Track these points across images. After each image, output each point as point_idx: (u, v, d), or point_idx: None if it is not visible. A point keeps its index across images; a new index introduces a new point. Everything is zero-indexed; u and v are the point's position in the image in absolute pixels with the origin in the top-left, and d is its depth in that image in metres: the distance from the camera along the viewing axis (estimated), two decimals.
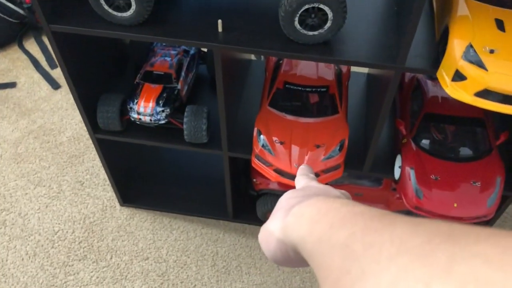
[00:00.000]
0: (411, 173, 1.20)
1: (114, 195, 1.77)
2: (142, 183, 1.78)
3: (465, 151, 1.22)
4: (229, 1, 1.11)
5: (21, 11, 2.29)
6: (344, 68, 1.40)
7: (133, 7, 0.99)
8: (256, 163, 1.28)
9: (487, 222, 1.47)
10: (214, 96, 1.23)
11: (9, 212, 1.73)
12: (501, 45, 0.89)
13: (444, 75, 0.94)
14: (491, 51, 0.88)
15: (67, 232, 1.68)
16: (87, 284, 1.55)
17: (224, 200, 1.61)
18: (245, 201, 1.66)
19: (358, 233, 0.27)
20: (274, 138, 1.25)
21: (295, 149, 1.24)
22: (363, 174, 1.32)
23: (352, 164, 1.28)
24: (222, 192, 1.58)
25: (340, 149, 1.23)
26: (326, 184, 1.27)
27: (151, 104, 1.28)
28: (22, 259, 1.61)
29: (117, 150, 1.54)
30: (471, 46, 0.89)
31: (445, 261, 0.21)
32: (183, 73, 1.37)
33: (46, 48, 2.34)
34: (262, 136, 1.26)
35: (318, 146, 1.23)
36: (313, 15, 0.93)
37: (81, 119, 1.37)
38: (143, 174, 1.80)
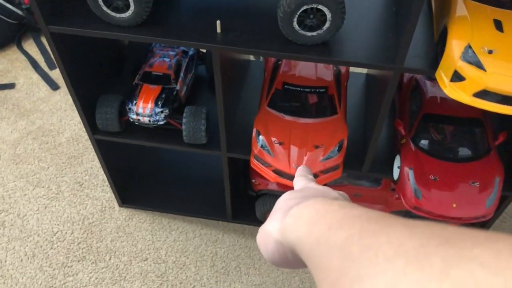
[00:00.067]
0: (410, 173, 1.20)
1: (113, 196, 1.77)
2: (141, 184, 1.78)
3: (464, 151, 1.22)
4: (227, 2, 1.11)
5: (19, 12, 2.29)
6: (343, 69, 1.40)
7: (132, 8, 0.99)
8: (255, 164, 1.28)
9: (486, 222, 1.48)
10: (213, 96, 1.23)
11: (8, 213, 1.73)
12: (500, 45, 0.90)
13: (443, 76, 0.94)
14: (490, 52, 0.88)
15: (66, 233, 1.68)
16: (86, 285, 1.55)
17: (223, 200, 1.61)
18: (244, 201, 1.66)
19: (356, 235, 0.27)
20: (273, 139, 1.25)
21: (294, 150, 1.24)
22: (362, 174, 1.32)
23: (351, 164, 1.28)
24: (221, 192, 1.57)
25: (339, 150, 1.23)
26: (325, 184, 1.28)
27: (150, 105, 1.28)
28: (21, 260, 1.61)
29: (116, 151, 1.54)
30: (469, 46, 0.89)
31: (442, 265, 0.21)
32: (182, 74, 1.37)
33: (45, 49, 2.34)
34: (261, 137, 1.26)
35: (317, 147, 1.23)
36: (311, 16, 0.93)
37: (80, 120, 1.37)
38: (142, 175, 1.80)
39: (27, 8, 2.29)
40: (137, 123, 1.32)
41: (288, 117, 1.29)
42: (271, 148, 1.24)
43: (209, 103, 1.40)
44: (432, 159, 1.21)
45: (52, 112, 2.08)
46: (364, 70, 1.55)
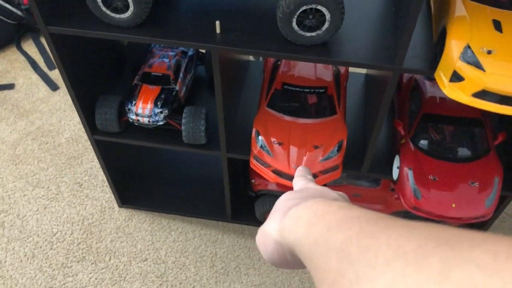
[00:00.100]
0: (409, 173, 1.20)
1: (112, 196, 1.77)
2: (140, 184, 1.78)
3: (463, 151, 1.23)
4: (227, 3, 1.11)
5: (19, 13, 2.29)
6: (342, 69, 1.40)
7: (131, 8, 0.99)
8: (254, 164, 1.28)
9: (485, 222, 1.48)
10: (212, 97, 1.23)
11: (8, 213, 1.73)
12: (499, 46, 0.90)
13: (442, 76, 0.94)
14: (489, 52, 0.88)
15: (65, 233, 1.68)
16: (85, 286, 1.55)
17: (223, 201, 1.61)
18: (243, 202, 1.66)
19: (354, 237, 0.27)
20: (273, 139, 1.25)
21: (293, 150, 1.24)
22: (362, 174, 1.32)
23: (350, 164, 1.29)
24: (221, 193, 1.57)
25: (339, 150, 1.24)
26: (325, 185, 1.28)
27: (149, 106, 1.28)
28: (21, 260, 1.61)
29: (116, 151, 1.54)
30: (468, 47, 0.89)
31: (440, 266, 0.21)
32: (181, 74, 1.37)
33: (44, 49, 2.34)
34: (260, 137, 1.26)
35: (316, 147, 1.23)
36: (310, 16, 0.93)
37: (80, 120, 1.37)
38: (142, 175, 1.80)
39: (26, 8, 2.29)
40: (136, 124, 1.32)
41: (287, 118, 1.29)
42: (271, 149, 1.24)
43: (208, 103, 1.40)
44: (431, 159, 1.21)
45: (52, 112, 2.08)
46: (363, 70, 1.55)
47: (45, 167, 1.88)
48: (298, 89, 1.32)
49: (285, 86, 1.32)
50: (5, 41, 2.36)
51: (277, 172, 1.25)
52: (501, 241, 0.21)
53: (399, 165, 1.23)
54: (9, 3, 2.25)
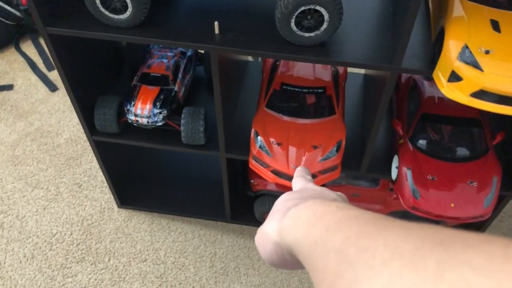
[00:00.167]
0: (408, 173, 1.20)
1: (112, 197, 1.77)
2: (139, 185, 1.78)
3: (462, 151, 1.23)
4: (225, 3, 1.11)
5: (17, 13, 2.29)
6: (341, 69, 1.40)
7: (130, 9, 0.99)
8: (253, 164, 1.29)
9: (484, 222, 1.48)
10: (211, 97, 1.24)
11: (7, 214, 1.73)
12: (497, 45, 0.90)
13: (440, 76, 0.94)
14: (487, 52, 0.89)
15: (65, 234, 1.68)
16: (85, 286, 1.55)
17: (222, 201, 1.61)
18: (243, 202, 1.66)
19: (352, 238, 0.28)
20: (271, 139, 1.25)
21: (292, 150, 1.24)
22: (360, 174, 1.33)
23: (349, 164, 1.29)
24: (220, 193, 1.58)
25: (337, 150, 1.24)
26: (324, 185, 1.28)
27: (148, 106, 1.28)
28: (20, 261, 1.61)
29: (115, 152, 1.54)
30: (466, 47, 0.89)
31: (436, 268, 0.21)
32: (180, 75, 1.37)
33: (43, 50, 2.34)
34: (259, 137, 1.26)
35: (315, 147, 1.24)
36: (309, 17, 0.93)
37: (79, 121, 1.37)
38: (141, 176, 1.80)
39: (25, 9, 2.29)
40: (135, 124, 1.32)
41: (286, 118, 1.29)
42: (270, 149, 1.25)
43: (207, 104, 1.40)
44: (430, 159, 1.22)
45: (51, 113, 2.08)
46: (362, 71, 1.55)
47: (44, 168, 1.88)
48: (297, 89, 1.32)
49: (284, 87, 1.33)
50: (4, 42, 2.36)
51: (276, 172, 1.25)
52: (497, 242, 0.21)
53: (397, 165, 1.23)
54: (7, 4, 2.25)
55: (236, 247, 1.65)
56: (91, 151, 1.84)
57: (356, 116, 1.41)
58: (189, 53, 1.45)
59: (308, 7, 0.91)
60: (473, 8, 0.96)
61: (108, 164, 1.52)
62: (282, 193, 0.45)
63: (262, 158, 1.25)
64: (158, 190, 1.76)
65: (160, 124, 1.31)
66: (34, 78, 2.23)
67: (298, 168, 0.52)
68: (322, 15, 0.92)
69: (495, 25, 0.93)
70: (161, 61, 1.37)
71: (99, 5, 0.98)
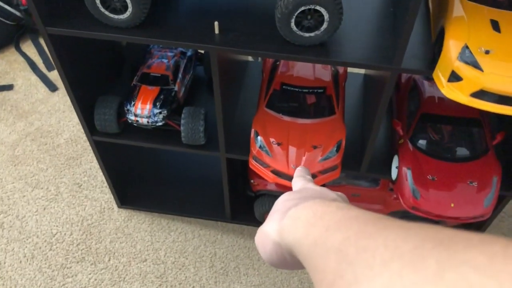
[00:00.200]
0: (408, 173, 1.20)
1: (112, 197, 1.77)
2: (140, 185, 1.78)
3: (462, 151, 1.23)
4: (225, 3, 1.11)
5: (17, 13, 2.29)
6: (341, 69, 1.40)
7: (130, 9, 0.99)
8: (253, 164, 1.29)
9: (484, 222, 1.48)
10: (211, 97, 1.24)
11: (7, 214, 1.73)
12: (497, 45, 0.90)
13: (440, 76, 0.94)
14: (487, 52, 0.89)
15: (65, 234, 1.68)
16: (85, 286, 1.55)
17: (222, 201, 1.61)
18: (243, 202, 1.66)
19: (352, 237, 0.28)
20: (271, 139, 1.25)
21: (292, 150, 1.24)
22: (360, 174, 1.33)
23: (349, 164, 1.29)
24: (220, 193, 1.58)
25: (337, 150, 1.24)
26: (324, 185, 1.28)
27: (148, 106, 1.28)
28: (20, 261, 1.61)
29: (115, 152, 1.54)
30: (466, 47, 0.89)
31: (436, 267, 0.21)
32: (180, 75, 1.37)
33: (43, 50, 2.34)
34: (259, 137, 1.26)
35: (315, 147, 1.24)
36: (309, 17, 0.93)
37: (79, 121, 1.37)
38: (141, 176, 1.80)
39: (25, 9, 2.29)
40: (135, 124, 1.32)
41: (286, 118, 1.29)
42: (270, 149, 1.25)
43: (207, 104, 1.40)
44: (430, 159, 1.22)
45: (51, 113, 2.08)
46: (362, 71, 1.55)
47: (44, 168, 1.88)
48: (297, 89, 1.32)
49: (284, 87, 1.33)
50: (4, 42, 2.36)
51: (276, 172, 1.25)
52: (497, 242, 0.21)
53: (397, 165, 1.23)
54: (7, 4, 2.25)
55: (236, 247, 1.65)
56: (91, 151, 1.84)
57: (356, 116, 1.41)
58: (189, 53, 1.45)
59: (308, 7, 0.91)
60: (473, 8, 0.96)
61: (108, 164, 1.52)
62: (282, 193, 0.45)
63: (262, 158, 1.25)
64: (158, 190, 1.76)
65: (160, 124, 1.31)
66: (34, 78, 2.24)
67: (298, 168, 0.52)
68: (322, 15, 0.92)
69: (495, 25, 0.93)
70: (161, 61, 1.37)
71: (99, 5, 0.98)
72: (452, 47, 0.91)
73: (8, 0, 2.27)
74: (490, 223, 1.50)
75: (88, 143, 1.92)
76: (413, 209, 1.21)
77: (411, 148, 1.23)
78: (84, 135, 1.87)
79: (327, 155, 1.23)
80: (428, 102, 1.27)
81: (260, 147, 1.25)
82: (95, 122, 1.32)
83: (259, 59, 1.82)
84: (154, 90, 1.31)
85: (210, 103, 1.34)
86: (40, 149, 1.94)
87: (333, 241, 0.29)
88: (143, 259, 1.62)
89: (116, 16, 1.00)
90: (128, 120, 1.31)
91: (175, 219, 1.73)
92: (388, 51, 0.99)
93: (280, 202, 0.43)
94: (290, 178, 1.22)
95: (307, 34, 0.97)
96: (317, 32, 0.96)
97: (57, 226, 1.70)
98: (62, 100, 2.13)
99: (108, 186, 1.67)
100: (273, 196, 1.51)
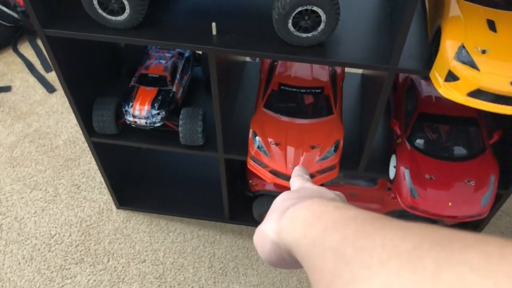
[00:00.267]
0: (405, 172, 1.21)
1: (110, 198, 1.77)
2: (138, 185, 1.78)
3: (459, 150, 1.23)
4: (223, 4, 1.11)
5: (15, 15, 2.29)
6: (338, 69, 1.40)
7: (127, 11, 0.99)
8: (251, 165, 1.29)
9: (482, 220, 1.48)
10: (209, 98, 1.24)
11: (5, 216, 1.73)
12: (493, 45, 0.90)
13: (437, 76, 0.94)
14: (483, 52, 0.89)
15: (63, 235, 1.68)
16: None
17: (221, 201, 1.61)
18: (241, 202, 1.67)
19: (350, 237, 0.28)
20: (270, 140, 1.26)
21: (290, 150, 1.24)
22: (358, 174, 1.33)
23: (347, 164, 1.29)
24: (219, 193, 1.58)
25: (335, 150, 1.24)
26: (322, 185, 1.28)
27: (146, 107, 1.28)
28: (19, 263, 1.60)
29: (113, 153, 1.54)
30: (463, 46, 0.90)
31: (434, 267, 0.21)
32: (178, 76, 1.37)
33: (41, 51, 2.34)
34: (257, 138, 1.26)
35: (313, 147, 1.24)
36: (306, 17, 0.93)
37: (77, 122, 1.37)
38: (139, 177, 1.80)
39: (22, 11, 2.29)
40: (133, 125, 1.32)
41: (284, 118, 1.29)
42: (268, 149, 1.25)
43: (205, 104, 1.40)
44: (427, 158, 1.22)
45: (49, 114, 2.08)
46: (359, 71, 1.56)
47: (43, 169, 1.88)
48: (294, 89, 1.33)
49: (281, 87, 1.33)
50: (2, 44, 2.36)
51: (274, 173, 1.25)
52: (494, 242, 0.21)
53: (395, 165, 1.24)
54: (5, 6, 2.25)
55: (235, 247, 1.66)
56: (90, 152, 1.84)
57: (354, 116, 1.42)
58: (186, 54, 1.45)
59: (305, 7, 0.91)
60: (470, 8, 0.96)
61: (107, 165, 1.52)
62: (280, 193, 0.45)
63: (260, 158, 1.25)
64: (157, 191, 1.76)
65: (158, 125, 1.31)
66: (32, 79, 2.23)
67: (296, 168, 0.52)
68: (319, 16, 0.93)
69: (491, 25, 0.93)
70: (159, 62, 1.37)
71: (97, 7, 0.99)
72: (448, 46, 0.91)
73: (5, 2, 2.26)
74: (488, 222, 1.50)
75: (86, 144, 1.92)
76: (411, 208, 1.22)
77: (409, 148, 1.23)
78: (82, 136, 1.86)
79: (325, 155, 1.23)
80: (426, 101, 1.28)
81: (258, 147, 1.26)
82: (93, 124, 1.32)
83: (257, 59, 1.83)
84: (152, 91, 1.31)
85: (208, 103, 1.34)
86: (38, 151, 1.94)
87: (331, 241, 0.29)
88: (142, 260, 1.62)
89: (113, 18, 1.00)
90: (126, 121, 1.32)
91: (173, 219, 1.73)
92: (385, 51, 1.00)
93: (278, 202, 0.43)
94: (288, 178, 1.22)
95: (304, 35, 0.97)
96: (314, 33, 0.96)
97: (55, 227, 1.70)
98: (60, 101, 2.13)
99: (106, 187, 1.67)
100: (272, 196, 1.51)
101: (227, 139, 1.32)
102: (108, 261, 1.61)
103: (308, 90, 1.32)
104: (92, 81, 1.35)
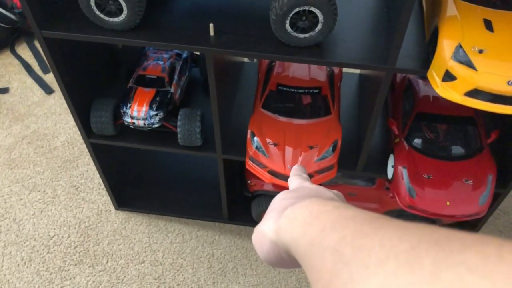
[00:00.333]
0: (404, 172, 1.21)
1: (109, 199, 1.77)
2: (137, 186, 1.78)
3: (457, 149, 1.24)
4: (220, 5, 1.11)
5: (12, 16, 2.29)
6: (336, 69, 1.40)
7: (125, 12, 0.99)
8: (250, 165, 1.29)
9: (480, 219, 1.49)
10: (207, 99, 1.24)
11: (4, 218, 1.73)
12: (490, 45, 0.91)
13: (435, 76, 0.95)
14: (480, 51, 0.89)
15: (62, 237, 1.68)
16: None
17: (219, 202, 1.61)
18: (240, 202, 1.67)
19: (348, 237, 0.28)
20: (268, 140, 1.26)
21: (288, 151, 1.24)
22: (357, 174, 1.33)
23: (345, 164, 1.29)
24: (217, 194, 1.58)
25: (333, 150, 1.24)
26: (320, 184, 1.28)
27: (144, 108, 1.28)
28: (18, 265, 1.60)
29: (111, 154, 1.54)
30: (460, 46, 0.90)
31: (432, 268, 0.21)
32: (176, 77, 1.37)
33: (39, 53, 2.34)
34: (255, 138, 1.26)
35: (311, 147, 1.24)
36: (304, 18, 0.93)
37: (75, 124, 1.37)
38: (138, 178, 1.80)
39: (20, 12, 2.28)
40: (132, 126, 1.32)
41: (282, 118, 1.29)
42: (266, 149, 1.25)
43: (203, 105, 1.40)
44: (425, 157, 1.22)
45: (47, 116, 2.08)
46: (357, 71, 1.56)
47: (41, 170, 1.88)
48: (292, 89, 1.33)
49: (279, 87, 1.33)
50: None
51: (272, 173, 1.25)
52: (492, 242, 0.21)
53: (393, 164, 1.24)
54: (2, 7, 2.25)
55: (234, 248, 1.66)
56: (88, 153, 1.84)
57: (352, 116, 1.42)
58: (184, 55, 1.45)
59: (302, 8, 0.91)
60: (467, 8, 0.96)
61: (105, 166, 1.52)
62: (279, 193, 0.45)
63: (258, 158, 1.26)
64: (155, 192, 1.76)
65: (156, 126, 1.31)
66: (29, 81, 2.23)
67: (295, 167, 0.52)
68: (317, 16, 0.93)
69: (488, 25, 0.94)
70: (156, 63, 1.37)
71: (94, 8, 0.99)
72: (446, 46, 0.91)
73: (2, 3, 2.26)
74: (486, 221, 1.51)
75: (84, 146, 1.92)
76: (409, 207, 1.22)
77: (407, 147, 1.24)
78: (81, 137, 1.86)
79: (323, 155, 1.24)
80: (423, 101, 1.28)
81: (256, 147, 1.26)
82: (92, 125, 1.32)
83: (255, 60, 1.83)
84: (150, 92, 1.31)
85: (206, 104, 1.35)
86: (36, 152, 1.94)
87: (329, 241, 0.29)
88: (141, 261, 1.62)
89: (111, 19, 1.01)
90: (124, 122, 1.32)
91: (172, 220, 1.73)
92: (383, 51, 1.00)
93: (277, 201, 0.43)
94: (286, 178, 1.22)
95: (302, 35, 0.97)
96: (312, 33, 0.96)
97: (54, 228, 1.70)
98: (58, 102, 2.13)
99: (105, 188, 1.66)
100: (270, 197, 1.51)
101: (225, 139, 1.32)
102: (107, 262, 1.61)
103: (306, 91, 1.32)
104: (90, 82, 1.35)
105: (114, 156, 1.58)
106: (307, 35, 0.97)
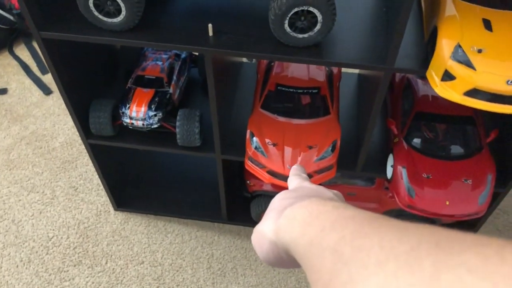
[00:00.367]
0: (403, 172, 1.21)
1: (108, 199, 1.77)
2: (136, 187, 1.78)
3: (456, 149, 1.24)
4: (219, 5, 1.11)
5: (10, 17, 2.28)
6: (335, 69, 1.40)
7: (123, 12, 0.99)
8: (249, 165, 1.29)
9: (479, 219, 1.49)
10: (206, 99, 1.24)
11: (3, 219, 1.72)
12: (489, 44, 0.91)
13: (434, 75, 0.95)
14: (479, 51, 0.89)
15: (61, 238, 1.68)
16: None
17: (219, 202, 1.61)
18: (239, 203, 1.67)
19: (348, 237, 0.28)
20: (267, 140, 1.26)
21: (287, 151, 1.24)
22: (356, 174, 1.33)
23: (344, 164, 1.29)
24: (216, 194, 1.58)
25: (333, 150, 1.24)
26: (320, 185, 1.27)
27: (143, 109, 1.28)
28: (17, 266, 1.60)
29: (110, 154, 1.54)
30: (459, 46, 0.90)
31: (432, 269, 0.21)
32: (174, 77, 1.37)
33: (37, 53, 2.34)
34: (255, 138, 1.26)
35: (310, 147, 1.24)
36: (302, 18, 0.93)
37: (73, 124, 1.37)
38: (137, 178, 1.80)
39: (18, 13, 2.28)
40: (130, 127, 1.32)
41: (281, 118, 1.29)
42: (265, 150, 1.25)
43: (202, 105, 1.40)
44: (424, 157, 1.22)
45: (45, 117, 2.08)
46: (356, 70, 1.56)
47: (40, 171, 1.87)
48: (291, 90, 1.33)
49: (278, 87, 1.33)
50: None
51: (272, 173, 1.25)
52: (492, 243, 0.21)
53: (393, 164, 1.24)
54: (0, 8, 2.24)
55: (233, 248, 1.66)
56: (87, 154, 1.84)
57: (351, 116, 1.42)
58: (183, 55, 1.45)
59: (301, 8, 0.91)
60: (465, 7, 0.96)
61: (104, 167, 1.52)
62: (278, 193, 0.45)
63: (257, 159, 1.25)
64: (154, 192, 1.76)
65: (155, 126, 1.31)
66: (28, 81, 2.23)
67: (294, 167, 0.52)
68: (316, 16, 0.93)
69: (487, 24, 0.94)
70: (155, 64, 1.37)
71: (93, 9, 0.98)
72: (445, 46, 0.91)
73: (1, 4, 2.26)
74: (485, 220, 1.51)
75: (83, 146, 1.92)
76: (409, 207, 1.22)
77: (406, 147, 1.24)
78: (79, 138, 1.86)
79: (323, 155, 1.24)
80: (422, 100, 1.28)
81: (255, 148, 1.26)
82: (90, 125, 1.32)
83: (254, 60, 1.83)
84: (149, 92, 1.31)
85: (205, 104, 1.34)
86: (35, 153, 1.94)
87: (328, 241, 0.29)
88: (140, 262, 1.62)
89: (109, 20, 1.00)
90: (123, 123, 1.31)
91: (171, 221, 1.73)
92: (382, 51, 1.00)
93: (276, 201, 0.43)
94: (286, 178, 1.22)
95: (300, 35, 0.97)
96: (310, 33, 0.96)
97: (53, 229, 1.70)
98: (56, 103, 2.13)
99: (104, 189, 1.66)
100: (269, 197, 1.51)
101: (224, 140, 1.32)
102: (106, 263, 1.61)
103: (305, 91, 1.32)
104: (89, 83, 1.35)
105: (113, 157, 1.58)
106: (306, 35, 0.97)
